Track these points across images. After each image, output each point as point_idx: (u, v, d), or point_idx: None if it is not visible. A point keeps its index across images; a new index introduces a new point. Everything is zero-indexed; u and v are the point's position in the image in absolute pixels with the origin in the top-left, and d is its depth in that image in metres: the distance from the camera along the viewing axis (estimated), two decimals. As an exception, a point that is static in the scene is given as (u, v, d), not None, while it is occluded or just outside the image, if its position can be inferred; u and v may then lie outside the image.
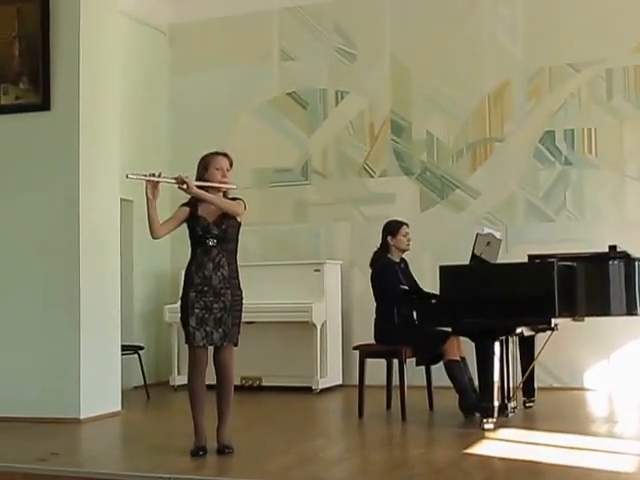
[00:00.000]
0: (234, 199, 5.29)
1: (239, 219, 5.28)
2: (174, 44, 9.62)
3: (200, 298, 5.18)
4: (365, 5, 9.03)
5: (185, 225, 5.30)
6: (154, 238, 5.24)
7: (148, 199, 5.14)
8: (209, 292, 5.18)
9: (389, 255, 6.83)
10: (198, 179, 5.27)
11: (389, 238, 6.84)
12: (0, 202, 6.90)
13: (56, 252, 6.72)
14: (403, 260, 6.95)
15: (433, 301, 6.34)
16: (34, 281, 6.77)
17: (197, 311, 5.18)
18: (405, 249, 6.90)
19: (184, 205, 5.31)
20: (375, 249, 6.91)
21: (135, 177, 5.10)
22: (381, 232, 6.90)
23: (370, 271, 6.88)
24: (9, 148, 6.92)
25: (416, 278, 6.95)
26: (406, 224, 6.90)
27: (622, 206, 8.17)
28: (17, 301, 6.78)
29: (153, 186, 5.14)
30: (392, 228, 6.88)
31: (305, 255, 8.80)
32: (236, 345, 5.27)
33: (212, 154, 5.36)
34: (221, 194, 5.29)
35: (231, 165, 5.34)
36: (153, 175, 5.12)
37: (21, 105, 6.85)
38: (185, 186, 5.14)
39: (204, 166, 5.31)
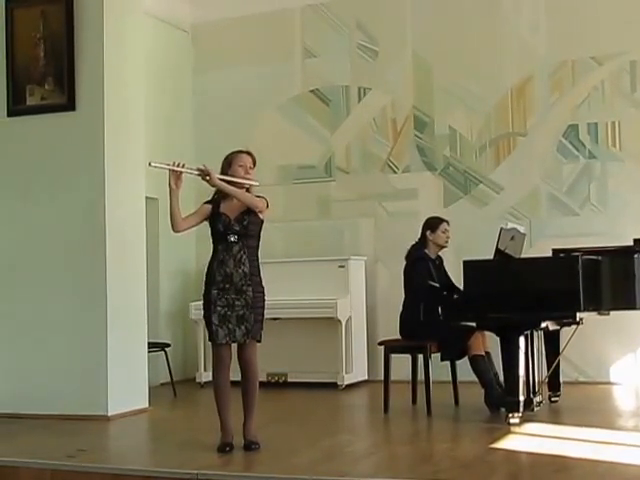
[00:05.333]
0: (257, 197, 5.32)
1: (261, 216, 5.30)
2: (197, 43, 9.66)
3: (222, 295, 5.20)
4: (386, 1, 9.03)
5: (207, 223, 5.34)
6: (175, 231, 5.28)
7: (171, 189, 5.17)
8: (231, 289, 5.20)
9: (426, 250, 6.84)
10: None
11: (428, 233, 6.84)
12: (27, 202, 6.97)
13: (83, 251, 6.77)
14: (439, 257, 6.95)
15: (455, 296, 6.37)
16: (61, 280, 6.82)
17: (219, 308, 5.20)
18: (443, 245, 6.90)
19: (207, 203, 5.35)
20: (413, 242, 6.91)
21: (158, 165, 5.13)
22: (421, 227, 6.91)
23: (404, 264, 6.87)
24: (35, 148, 6.98)
25: (450, 276, 6.92)
26: (446, 221, 6.91)
27: (647, 199, 8.12)
28: (45, 300, 6.84)
29: (176, 176, 5.18)
30: (432, 224, 6.89)
31: (329, 251, 8.81)
32: (259, 341, 5.30)
33: (235, 152, 5.41)
34: (244, 191, 5.32)
35: (254, 163, 5.38)
36: (178, 165, 5.17)
37: (46, 106, 6.91)
38: (208, 177, 5.18)
39: (227, 164, 5.35)
